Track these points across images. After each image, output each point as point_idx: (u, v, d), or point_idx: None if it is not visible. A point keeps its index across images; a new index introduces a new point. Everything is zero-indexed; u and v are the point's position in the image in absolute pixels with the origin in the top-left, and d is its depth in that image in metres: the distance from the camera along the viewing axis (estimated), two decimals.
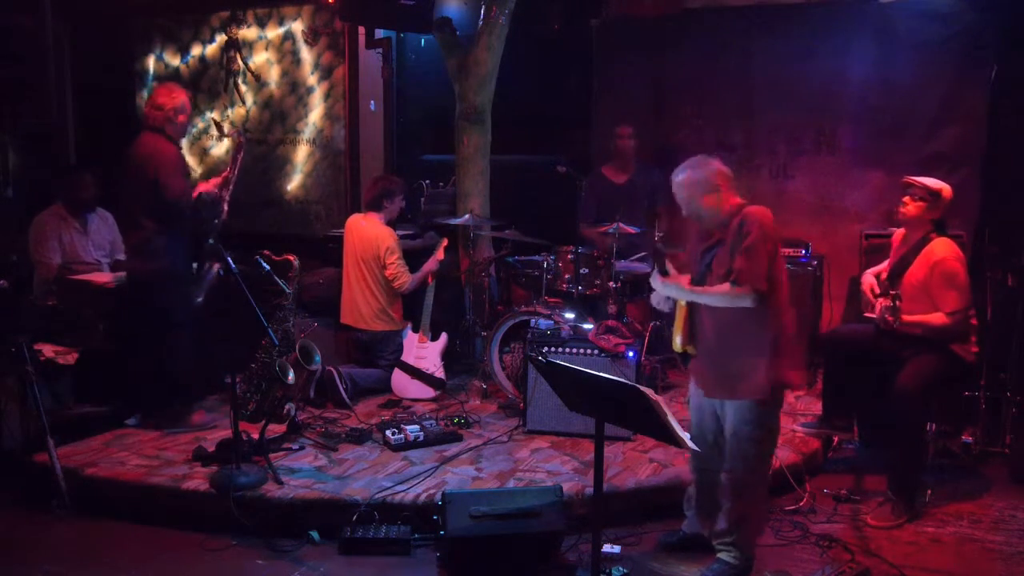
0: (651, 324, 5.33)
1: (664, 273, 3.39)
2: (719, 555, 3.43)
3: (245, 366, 4.60)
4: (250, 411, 4.42)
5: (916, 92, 5.73)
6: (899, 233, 4.34)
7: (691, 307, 3.40)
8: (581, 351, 4.66)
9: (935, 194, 4.07)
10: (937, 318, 3.95)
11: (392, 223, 5.52)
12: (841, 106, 5.96)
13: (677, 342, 3.48)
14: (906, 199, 4.16)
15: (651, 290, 3.55)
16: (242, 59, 7.60)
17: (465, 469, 4.23)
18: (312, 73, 7.33)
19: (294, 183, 7.50)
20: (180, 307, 4.68)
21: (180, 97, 4.67)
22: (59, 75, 7.57)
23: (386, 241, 5.34)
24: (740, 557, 3.39)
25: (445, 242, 5.60)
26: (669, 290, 3.41)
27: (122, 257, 5.70)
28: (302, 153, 7.47)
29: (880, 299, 4.00)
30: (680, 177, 3.38)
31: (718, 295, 3.25)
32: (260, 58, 7.54)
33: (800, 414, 4.92)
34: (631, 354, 4.60)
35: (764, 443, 3.35)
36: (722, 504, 3.43)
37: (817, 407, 4.85)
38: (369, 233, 5.39)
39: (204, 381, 5.05)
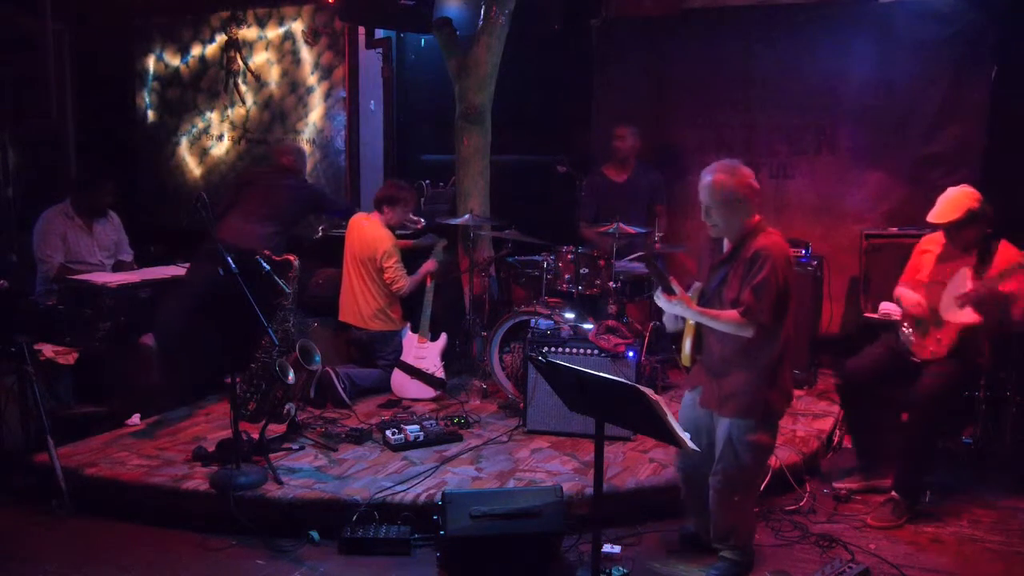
0: (651, 324, 5.32)
1: (669, 292, 3.32)
2: (721, 554, 3.43)
3: (245, 366, 4.60)
4: (250, 411, 4.42)
5: (916, 92, 5.73)
6: (927, 239, 4.22)
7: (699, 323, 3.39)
8: (581, 351, 4.66)
9: (972, 212, 3.93)
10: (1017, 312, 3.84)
11: (393, 226, 5.50)
12: (841, 106, 5.96)
13: (686, 354, 3.47)
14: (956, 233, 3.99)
15: (653, 298, 3.50)
16: (242, 59, 7.60)
17: (465, 469, 4.23)
18: (312, 73, 7.33)
19: None
20: None
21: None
22: (59, 75, 7.57)
23: (384, 245, 5.31)
24: (741, 555, 3.41)
25: (444, 243, 5.59)
26: (675, 309, 3.34)
27: (126, 258, 5.71)
28: None
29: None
30: (710, 179, 3.28)
31: (723, 321, 3.26)
32: (260, 58, 7.54)
33: (800, 414, 4.93)
34: (631, 354, 4.60)
35: (754, 457, 3.32)
36: (712, 510, 3.41)
37: (817, 407, 4.86)
38: (369, 234, 5.37)
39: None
